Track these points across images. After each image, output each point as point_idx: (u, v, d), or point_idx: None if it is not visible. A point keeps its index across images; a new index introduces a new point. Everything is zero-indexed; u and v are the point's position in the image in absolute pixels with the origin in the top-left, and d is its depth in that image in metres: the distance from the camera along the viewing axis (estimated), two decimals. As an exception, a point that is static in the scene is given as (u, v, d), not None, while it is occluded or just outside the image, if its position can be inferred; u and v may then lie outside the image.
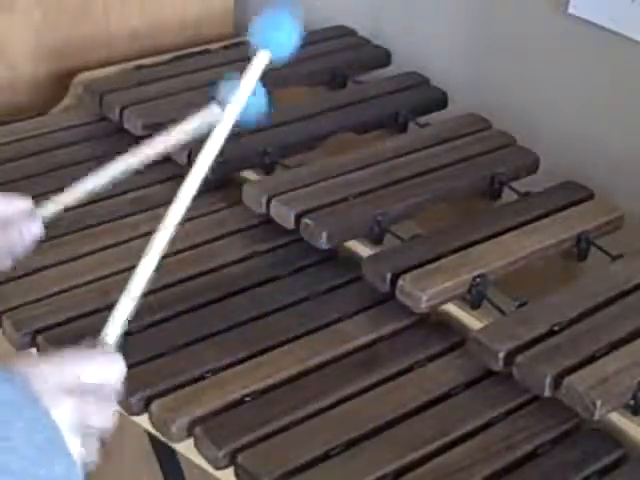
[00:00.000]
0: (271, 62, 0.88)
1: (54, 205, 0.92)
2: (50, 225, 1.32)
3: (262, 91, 0.88)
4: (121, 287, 1.22)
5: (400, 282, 1.16)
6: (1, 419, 0.64)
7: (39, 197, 1.37)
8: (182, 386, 1.08)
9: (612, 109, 1.44)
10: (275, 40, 0.88)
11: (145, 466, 1.66)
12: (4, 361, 0.69)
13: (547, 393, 1.04)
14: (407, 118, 1.51)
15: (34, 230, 0.90)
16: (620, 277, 1.19)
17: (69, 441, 0.67)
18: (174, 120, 1.47)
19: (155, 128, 1.45)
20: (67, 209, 1.35)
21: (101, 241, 1.29)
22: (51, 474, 0.64)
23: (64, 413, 0.68)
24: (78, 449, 0.69)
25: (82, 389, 0.71)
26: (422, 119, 1.51)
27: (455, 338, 1.17)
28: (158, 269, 1.27)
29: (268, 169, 1.39)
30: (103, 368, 0.76)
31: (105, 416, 0.73)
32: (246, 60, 1.64)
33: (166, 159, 1.36)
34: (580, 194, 1.34)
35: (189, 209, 1.40)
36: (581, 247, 1.27)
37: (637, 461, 1.03)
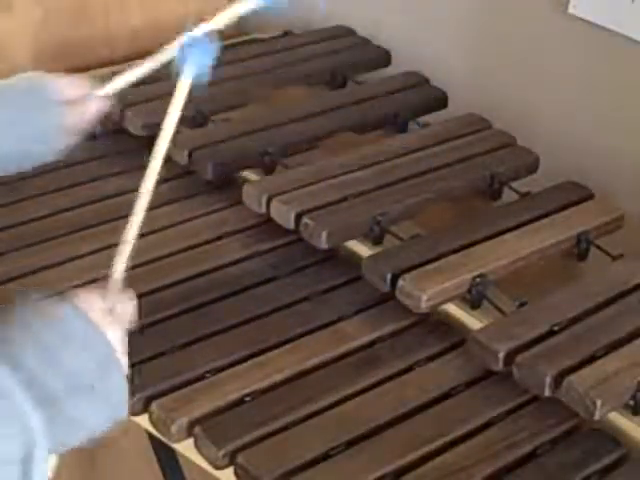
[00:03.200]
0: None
1: (111, 85, 1.05)
2: (50, 225, 1.33)
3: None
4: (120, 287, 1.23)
5: (400, 282, 1.16)
6: (72, 343, 0.78)
7: (39, 197, 1.38)
8: (182, 386, 1.08)
9: (612, 109, 1.44)
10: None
11: (145, 466, 1.66)
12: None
13: (547, 393, 1.04)
14: (407, 118, 1.51)
15: (94, 107, 1.05)
16: (620, 277, 1.19)
17: (120, 357, 0.81)
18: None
19: (155, 128, 1.46)
20: (67, 209, 1.36)
21: (101, 241, 1.28)
22: (110, 383, 0.79)
23: (114, 334, 0.81)
24: (126, 363, 0.83)
25: (119, 318, 0.84)
26: (422, 119, 1.51)
27: (455, 338, 1.17)
28: (158, 269, 1.28)
29: (268, 169, 1.39)
30: (127, 302, 0.87)
31: (125, 337, 0.85)
32: (246, 60, 1.64)
33: (166, 159, 1.37)
34: (580, 194, 1.34)
35: (189, 209, 1.41)
36: (581, 247, 1.27)
37: (637, 461, 1.03)
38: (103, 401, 0.79)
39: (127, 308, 0.87)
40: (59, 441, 0.75)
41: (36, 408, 0.72)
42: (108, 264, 1.23)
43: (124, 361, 0.83)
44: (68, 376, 0.76)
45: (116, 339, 0.82)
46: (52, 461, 0.80)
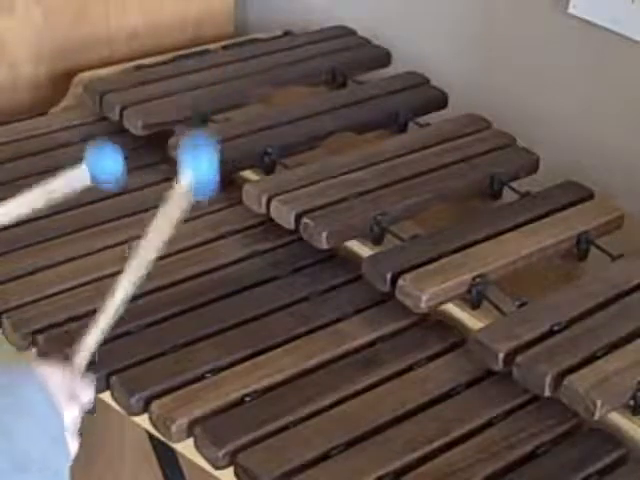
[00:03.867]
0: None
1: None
2: (50, 225, 1.33)
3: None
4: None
5: (400, 282, 1.16)
6: (26, 414, 0.76)
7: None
8: (182, 386, 1.08)
9: (612, 109, 1.44)
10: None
11: (145, 466, 1.66)
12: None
13: (547, 393, 1.04)
14: (407, 118, 1.51)
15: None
16: (620, 277, 1.19)
17: (68, 444, 0.79)
18: (174, 120, 1.49)
19: (155, 128, 1.47)
20: (68, 209, 1.36)
21: (101, 241, 1.29)
22: (57, 464, 0.77)
23: (69, 417, 0.80)
24: (74, 450, 0.81)
25: (78, 402, 0.83)
26: (422, 119, 1.51)
27: (455, 338, 1.17)
28: (158, 269, 1.28)
29: (268, 169, 1.39)
30: (88, 389, 0.86)
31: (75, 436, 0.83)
32: (246, 60, 1.63)
33: (166, 159, 1.37)
34: (580, 194, 1.34)
35: (189, 209, 1.40)
36: (581, 247, 1.27)
37: (637, 461, 1.03)
38: None
39: (88, 395, 0.85)
40: None
41: None
42: (108, 264, 1.24)
43: (74, 445, 0.81)
44: (18, 452, 0.74)
45: (71, 422, 0.81)
46: None
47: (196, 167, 0.91)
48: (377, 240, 1.26)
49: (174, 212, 0.90)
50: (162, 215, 0.90)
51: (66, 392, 0.81)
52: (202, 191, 0.92)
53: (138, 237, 1.28)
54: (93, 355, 0.89)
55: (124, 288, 0.90)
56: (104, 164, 0.93)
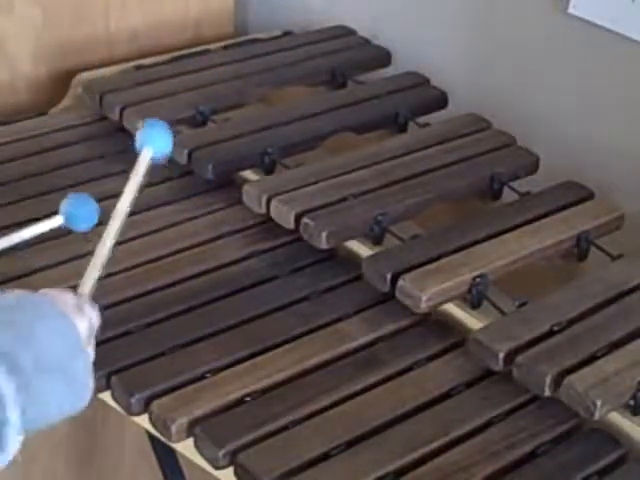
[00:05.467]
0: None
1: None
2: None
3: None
4: (121, 287, 1.23)
5: (400, 282, 1.16)
6: (42, 322, 0.81)
7: (39, 197, 1.38)
8: (182, 386, 1.08)
9: (612, 109, 1.44)
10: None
11: (145, 466, 1.66)
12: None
13: (547, 393, 1.04)
14: (407, 118, 1.51)
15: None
16: (620, 277, 1.19)
17: (86, 348, 0.85)
18: (174, 120, 1.49)
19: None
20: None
21: (101, 241, 1.28)
22: (76, 367, 0.82)
23: (82, 327, 0.85)
24: (92, 354, 0.87)
25: (87, 316, 0.88)
26: (422, 119, 1.51)
27: (455, 338, 1.17)
28: (158, 269, 1.28)
29: (268, 169, 1.39)
30: (94, 307, 0.91)
31: (91, 347, 0.88)
32: (246, 60, 1.64)
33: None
34: (580, 194, 1.34)
35: (189, 209, 1.41)
36: (581, 247, 1.27)
37: (637, 461, 1.03)
38: (68, 385, 0.82)
39: (95, 317, 0.90)
40: (26, 416, 0.77)
41: (8, 378, 0.75)
42: (108, 264, 1.23)
43: (91, 352, 0.87)
44: (38, 353, 0.79)
45: (84, 330, 0.86)
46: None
47: (153, 141, 1.00)
48: (377, 240, 1.27)
49: (139, 176, 0.98)
50: (130, 180, 0.98)
51: (75, 307, 0.86)
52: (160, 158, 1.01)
53: (138, 237, 1.29)
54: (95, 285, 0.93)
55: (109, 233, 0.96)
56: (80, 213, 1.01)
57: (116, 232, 0.96)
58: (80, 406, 0.84)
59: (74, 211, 1.00)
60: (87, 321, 0.87)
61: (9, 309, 0.82)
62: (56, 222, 1.00)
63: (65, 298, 0.87)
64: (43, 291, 0.88)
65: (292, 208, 1.26)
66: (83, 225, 1.00)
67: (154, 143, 0.99)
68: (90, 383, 0.84)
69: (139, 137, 0.99)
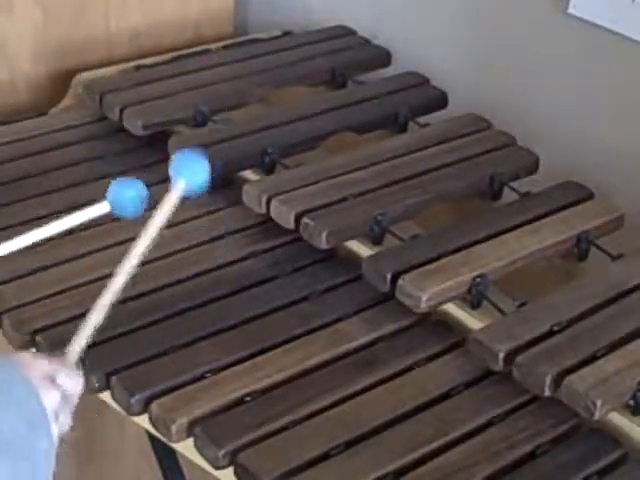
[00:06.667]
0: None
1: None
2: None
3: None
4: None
5: (400, 282, 1.16)
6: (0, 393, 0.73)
7: (39, 197, 1.38)
8: (182, 386, 1.08)
9: (612, 109, 1.44)
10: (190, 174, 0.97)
11: (145, 466, 1.66)
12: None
13: (547, 393, 1.04)
14: (407, 118, 1.51)
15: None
16: (620, 277, 1.19)
17: (51, 425, 0.77)
18: (174, 120, 1.49)
19: (155, 128, 1.47)
20: (67, 209, 1.36)
21: (101, 241, 1.28)
22: (36, 448, 0.74)
23: (50, 400, 0.78)
24: (56, 434, 0.78)
25: (60, 388, 0.81)
26: (422, 119, 1.51)
27: (455, 338, 1.17)
28: (158, 269, 1.28)
29: (268, 169, 1.39)
30: (74, 377, 0.84)
31: (67, 419, 0.81)
32: (246, 60, 1.64)
33: (166, 159, 1.37)
34: (580, 194, 1.34)
35: (189, 209, 1.41)
36: (581, 247, 1.27)
37: (637, 461, 1.03)
38: (26, 461, 0.74)
39: (73, 384, 0.83)
40: None
41: None
42: (109, 264, 1.23)
43: (55, 430, 0.78)
44: None
45: (51, 403, 0.78)
46: None
47: (189, 178, 0.97)
48: (377, 240, 1.27)
49: (165, 215, 0.95)
50: (155, 219, 0.94)
51: (46, 377, 0.80)
52: (193, 194, 0.98)
53: (137, 237, 1.29)
54: (83, 352, 0.88)
55: (114, 288, 0.91)
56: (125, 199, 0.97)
57: (120, 287, 0.91)
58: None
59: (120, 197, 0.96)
60: (58, 393, 0.80)
61: None
62: (103, 208, 0.97)
63: (36, 364, 0.80)
64: (15, 356, 0.81)
65: (292, 208, 1.26)
66: (130, 210, 0.97)
67: (190, 178, 0.96)
68: (52, 460, 0.75)
69: (176, 166, 0.97)
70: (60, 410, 0.80)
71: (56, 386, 0.80)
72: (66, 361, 0.85)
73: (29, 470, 0.74)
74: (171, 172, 0.96)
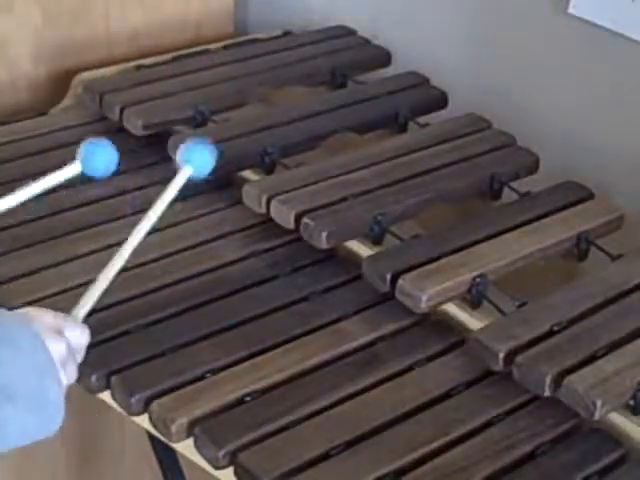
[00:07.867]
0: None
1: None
2: (50, 225, 1.33)
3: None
4: (121, 287, 1.23)
5: (400, 282, 1.16)
6: (9, 345, 0.76)
7: (39, 197, 1.38)
8: (182, 386, 1.08)
9: (612, 109, 1.44)
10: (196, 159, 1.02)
11: (145, 466, 1.66)
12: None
13: (547, 393, 1.04)
14: (407, 118, 1.51)
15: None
16: (620, 277, 1.19)
17: (59, 372, 0.80)
18: (174, 120, 1.49)
19: (155, 128, 1.46)
20: (67, 209, 1.36)
21: (101, 241, 1.28)
22: (45, 391, 0.77)
23: (57, 350, 0.80)
24: (65, 383, 0.81)
25: (66, 340, 0.83)
26: (422, 119, 1.51)
27: (455, 338, 1.17)
28: (158, 269, 1.28)
29: (268, 169, 1.39)
30: (80, 329, 0.86)
31: (74, 372, 0.84)
32: (246, 60, 1.64)
33: (166, 159, 1.37)
34: (580, 194, 1.34)
35: (189, 209, 1.41)
36: (581, 247, 1.27)
37: (637, 461, 1.03)
38: (33, 411, 0.77)
39: (78, 337, 0.85)
40: None
41: None
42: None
43: (63, 377, 0.81)
44: (3, 381, 0.74)
45: (57, 353, 0.81)
46: None
47: (195, 161, 1.01)
48: (377, 240, 1.27)
49: (171, 193, 0.99)
50: (162, 197, 0.99)
51: (52, 328, 0.82)
52: (198, 177, 1.02)
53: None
54: (90, 311, 0.90)
55: (122, 254, 0.95)
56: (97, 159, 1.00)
57: (127, 256, 0.94)
58: (50, 431, 0.79)
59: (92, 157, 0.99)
60: (64, 344, 0.82)
61: None
62: (74, 169, 1.00)
63: (43, 318, 0.82)
64: (21, 310, 0.83)
65: (292, 208, 1.26)
66: (100, 170, 1.00)
67: (197, 163, 1.00)
68: (62, 408, 0.79)
69: (183, 153, 1.01)
70: (66, 361, 0.82)
71: (62, 337, 0.82)
72: (71, 316, 0.87)
73: (38, 421, 0.77)
74: (178, 158, 1.01)
